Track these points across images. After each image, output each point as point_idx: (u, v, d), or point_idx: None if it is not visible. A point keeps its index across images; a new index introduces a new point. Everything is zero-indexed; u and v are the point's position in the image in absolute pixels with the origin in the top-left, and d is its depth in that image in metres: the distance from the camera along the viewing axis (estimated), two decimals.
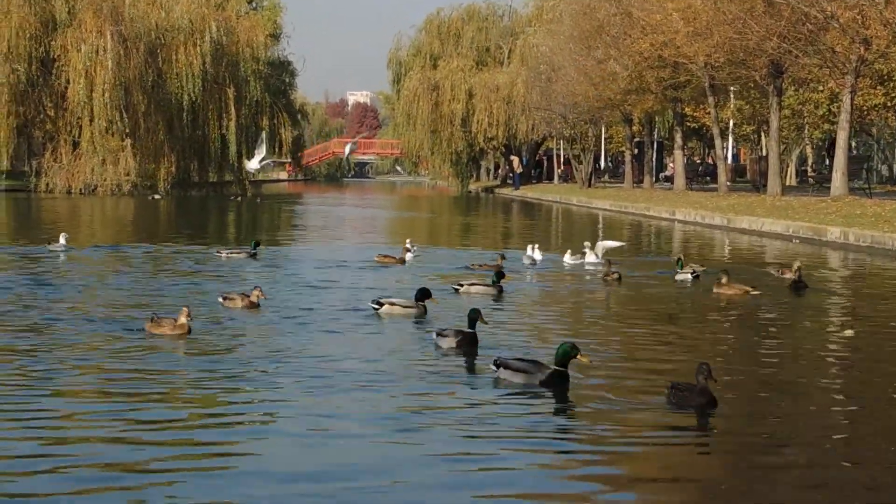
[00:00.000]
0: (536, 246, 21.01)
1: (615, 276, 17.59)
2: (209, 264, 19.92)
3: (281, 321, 12.61)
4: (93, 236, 28.26)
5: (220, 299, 13.62)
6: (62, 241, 21.97)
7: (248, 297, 13.32)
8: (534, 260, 20.42)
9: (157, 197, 56.99)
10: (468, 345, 10.72)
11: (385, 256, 20.38)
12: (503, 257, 19.95)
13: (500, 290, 15.52)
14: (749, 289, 15.83)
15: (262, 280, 16.05)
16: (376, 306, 13.32)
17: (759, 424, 8.13)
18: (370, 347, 11.02)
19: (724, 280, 15.90)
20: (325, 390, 8.87)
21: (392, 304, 13.34)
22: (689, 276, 18.00)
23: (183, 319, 11.22)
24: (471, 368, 10.07)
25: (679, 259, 18.95)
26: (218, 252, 21.18)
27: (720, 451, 7.57)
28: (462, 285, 15.70)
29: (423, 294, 13.30)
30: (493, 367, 9.34)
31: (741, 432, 7.91)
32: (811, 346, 11.80)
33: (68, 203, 49.84)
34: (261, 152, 25.26)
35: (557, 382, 8.91)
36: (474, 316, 10.93)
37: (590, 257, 20.48)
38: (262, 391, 8.91)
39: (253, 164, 25.53)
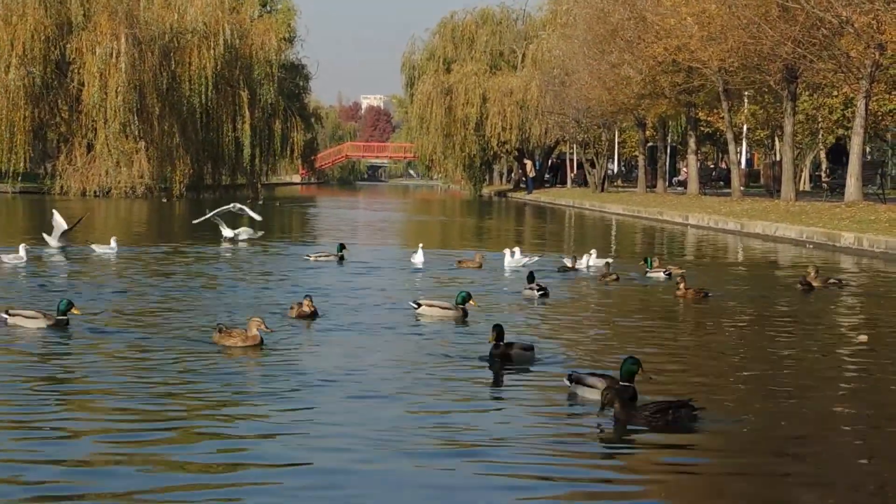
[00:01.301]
0: (518, 249, 21.13)
1: (614, 277, 18.29)
2: (284, 268, 20.28)
3: (340, 330, 12.41)
4: (140, 238, 28.22)
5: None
6: (113, 243, 21.90)
7: (301, 306, 13.16)
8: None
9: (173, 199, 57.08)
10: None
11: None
12: (575, 259, 20.43)
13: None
14: (703, 290, 16.00)
15: (343, 284, 16.66)
16: (415, 306, 13.47)
17: (772, 427, 8.13)
18: (423, 357, 10.71)
19: (681, 284, 15.99)
20: (382, 406, 8.60)
21: (430, 305, 13.44)
22: (662, 274, 18.77)
23: (255, 331, 10.89)
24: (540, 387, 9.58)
25: (647, 257, 19.82)
26: (307, 256, 21.54)
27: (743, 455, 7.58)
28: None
29: (464, 297, 13.38)
30: (568, 382, 9.09)
31: (755, 437, 7.92)
32: (826, 351, 11.78)
33: (85, 205, 49.90)
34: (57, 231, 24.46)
35: (624, 398, 8.64)
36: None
37: (591, 260, 20.63)
38: (295, 403, 8.73)
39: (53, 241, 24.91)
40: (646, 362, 8.97)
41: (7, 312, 12.10)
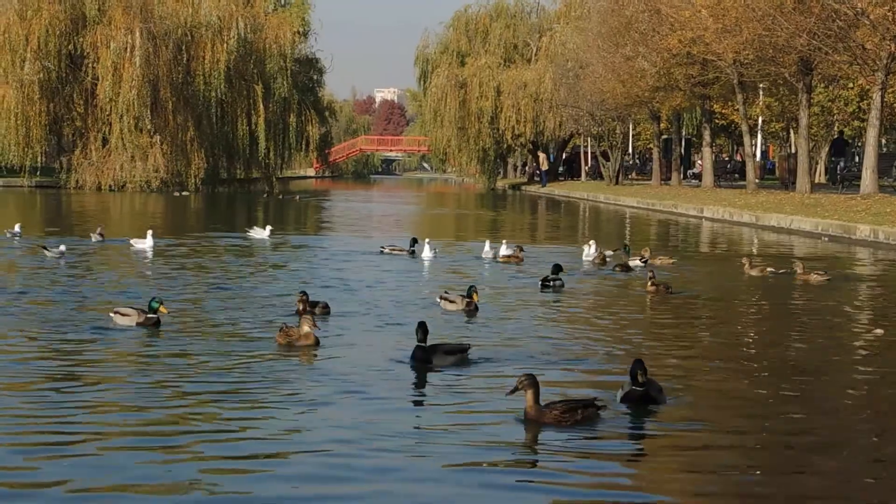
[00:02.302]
0: (504, 242, 21.32)
1: (598, 261, 19.48)
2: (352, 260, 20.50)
3: (349, 326, 12.22)
4: (171, 231, 28.11)
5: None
6: (149, 238, 21.56)
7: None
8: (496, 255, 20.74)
9: (185, 193, 57.14)
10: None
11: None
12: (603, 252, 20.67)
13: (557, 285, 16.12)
14: (668, 286, 15.87)
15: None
16: (439, 299, 13.74)
17: (787, 419, 8.13)
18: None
19: (651, 280, 15.87)
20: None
21: (446, 298, 13.65)
22: (638, 261, 19.22)
23: (306, 328, 10.60)
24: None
25: (626, 245, 20.59)
26: (381, 248, 21.82)
27: (755, 445, 7.56)
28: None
29: (468, 291, 13.48)
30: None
31: (768, 427, 7.91)
32: (841, 344, 11.75)
33: (103, 199, 50.05)
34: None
35: (634, 398, 8.61)
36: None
37: (588, 250, 20.75)
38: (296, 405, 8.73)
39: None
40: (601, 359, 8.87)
41: (114, 311, 11.98)
